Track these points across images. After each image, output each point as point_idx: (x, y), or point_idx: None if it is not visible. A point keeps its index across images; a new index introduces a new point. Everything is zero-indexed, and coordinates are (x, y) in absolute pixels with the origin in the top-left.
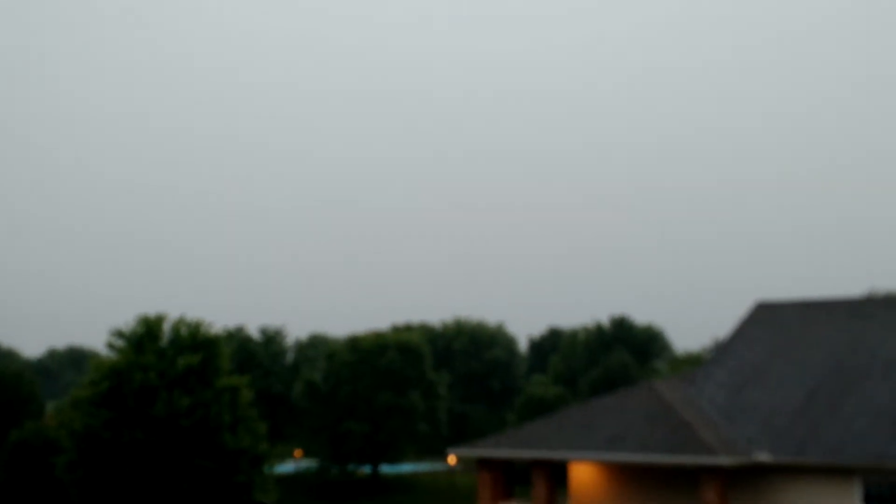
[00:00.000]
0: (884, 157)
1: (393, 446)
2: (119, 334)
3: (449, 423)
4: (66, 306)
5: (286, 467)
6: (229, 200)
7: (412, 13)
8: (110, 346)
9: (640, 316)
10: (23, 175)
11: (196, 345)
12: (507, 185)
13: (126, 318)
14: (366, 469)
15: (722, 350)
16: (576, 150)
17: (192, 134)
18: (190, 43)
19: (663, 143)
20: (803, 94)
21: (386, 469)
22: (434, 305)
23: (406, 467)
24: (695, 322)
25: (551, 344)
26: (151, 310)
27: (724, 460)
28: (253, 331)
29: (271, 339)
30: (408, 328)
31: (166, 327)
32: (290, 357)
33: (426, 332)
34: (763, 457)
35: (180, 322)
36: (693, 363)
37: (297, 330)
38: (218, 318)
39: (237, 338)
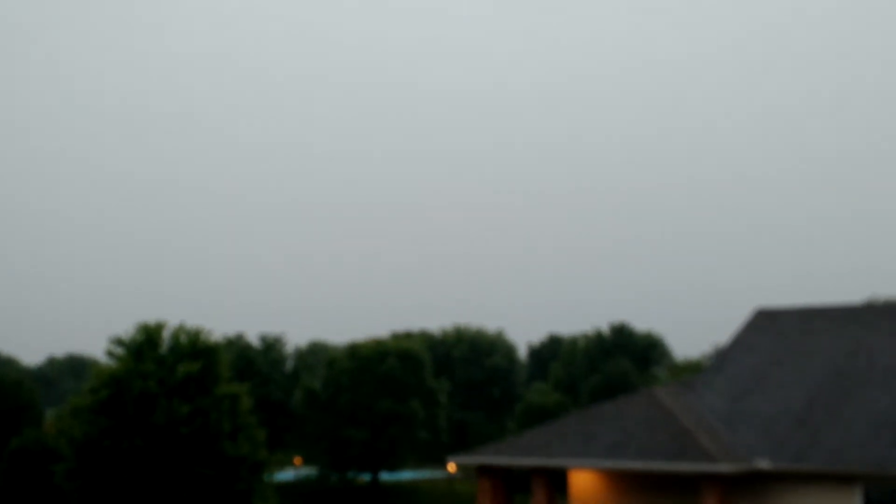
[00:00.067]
0: (885, 161)
1: (393, 454)
2: (118, 342)
3: (449, 431)
4: (66, 314)
5: (286, 475)
6: (229, 206)
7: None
8: (110, 353)
9: (640, 323)
10: (22, 182)
11: (196, 352)
12: (507, 189)
13: (125, 326)
14: (365, 476)
15: (722, 357)
16: (573, 155)
17: (192, 138)
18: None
19: (660, 148)
20: (803, 96)
21: (386, 476)
22: (434, 313)
23: (406, 475)
24: (694, 329)
25: (551, 351)
26: (151, 317)
27: (724, 467)
28: (252, 338)
29: (271, 347)
30: (407, 335)
31: (166, 335)
32: (289, 364)
33: (426, 339)
34: (763, 464)
35: (180, 330)
36: (693, 370)
37: (296, 337)
38: (217, 325)
39: (237, 345)
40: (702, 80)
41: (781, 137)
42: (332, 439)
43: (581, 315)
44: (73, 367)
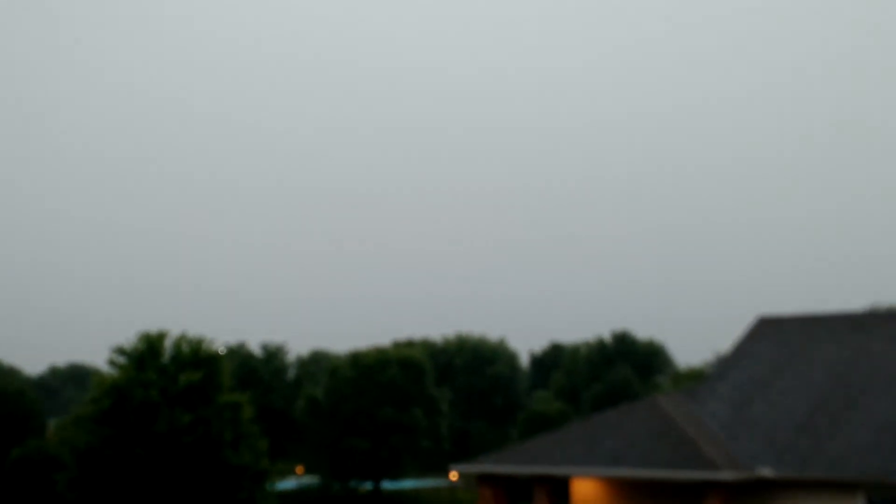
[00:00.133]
0: (887, 166)
1: (395, 462)
2: (120, 351)
3: (451, 439)
4: (68, 323)
5: (288, 484)
6: (230, 214)
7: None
8: (111, 362)
9: (642, 331)
10: (22, 189)
11: (197, 361)
12: (508, 195)
13: (127, 335)
14: (368, 485)
15: (724, 365)
16: (574, 161)
17: (192, 142)
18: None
19: (661, 155)
20: (807, 100)
21: (388, 485)
22: (435, 321)
23: (408, 483)
24: (697, 337)
25: (553, 359)
26: (153, 327)
27: (727, 475)
28: (254, 347)
29: (273, 356)
30: (409, 344)
31: (168, 344)
32: (291, 373)
33: (428, 347)
34: (766, 472)
35: (182, 339)
36: (695, 378)
37: (298, 346)
38: (219, 334)
39: (239, 354)
40: (702, 83)
41: (783, 142)
42: (333, 448)
43: (583, 323)
44: (74, 377)
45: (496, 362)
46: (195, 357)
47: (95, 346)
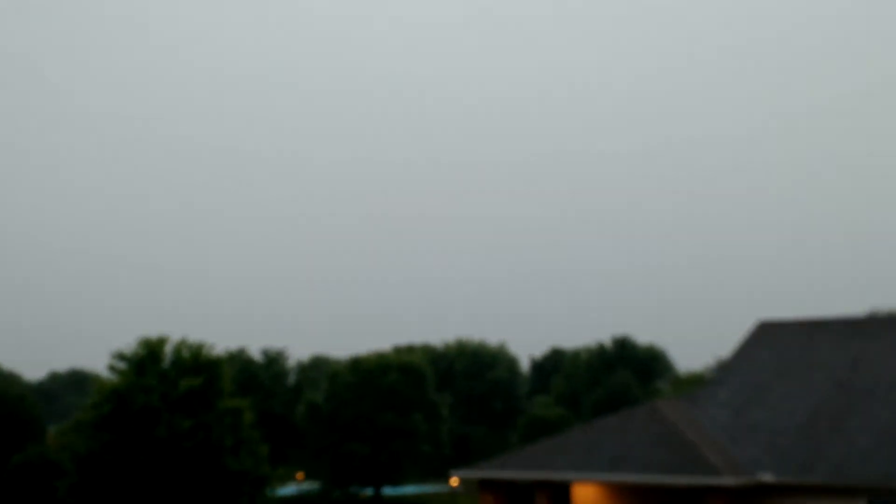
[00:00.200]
0: (887, 173)
1: (395, 468)
2: (121, 356)
3: (451, 445)
4: (68, 329)
5: (289, 489)
6: (229, 220)
7: None
8: (112, 368)
9: (642, 336)
10: (21, 196)
11: (198, 367)
12: (507, 202)
13: (128, 341)
14: (368, 491)
15: (724, 370)
16: (572, 167)
17: (192, 148)
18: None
19: (661, 160)
20: (805, 107)
21: (388, 491)
22: (436, 326)
23: (409, 489)
24: (697, 342)
25: (553, 364)
26: (153, 332)
27: (727, 481)
28: (255, 352)
29: (273, 361)
30: (410, 349)
31: (168, 349)
32: (292, 378)
33: (428, 352)
34: (767, 477)
35: (182, 344)
36: (696, 383)
37: (298, 351)
38: (219, 339)
39: (239, 360)
40: (702, 87)
41: (782, 149)
42: (334, 453)
43: (583, 328)
44: (75, 382)
45: (496, 367)
46: (196, 362)
47: (96, 352)
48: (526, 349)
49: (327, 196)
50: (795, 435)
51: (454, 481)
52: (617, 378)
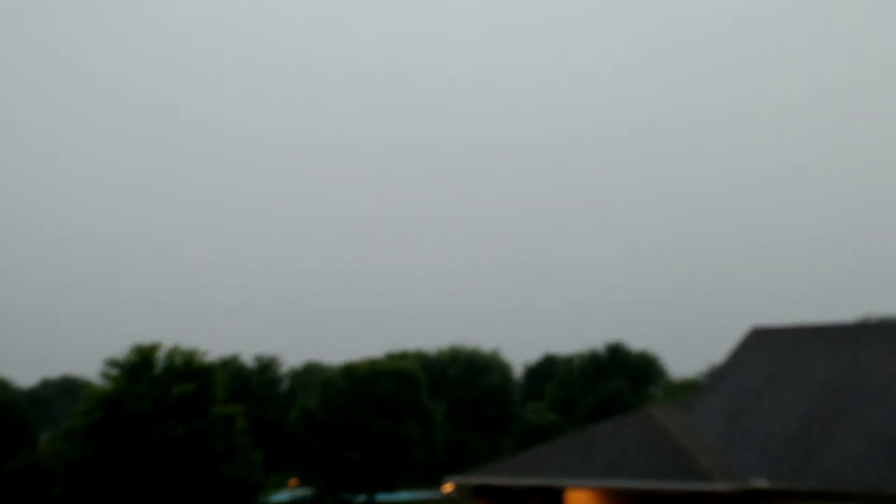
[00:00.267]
0: (881, 177)
1: (389, 474)
2: (113, 363)
3: (445, 451)
4: (60, 336)
5: (281, 496)
6: (222, 226)
7: None
8: (104, 375)
9: (635, 342)
10: (16, 199)
11: (190, 373)
12: (503, 207)
13: (120, 348)
14: (361, 498)
15: (717, 376)
16: (568, 170)
17: (182, 157)
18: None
19: (654, 165)
20: (801, 111)
21: (382, 497)
22: (429, 332)
23: (402, 496)
24: (690, 348)
25: (547, 370)
26: (146, 339)
27: (720, 486)
28: (247, 359)
29: (266, 368)
30: (403, 355)
31: (160, 356)
32: (285, 385)
33: (421, 359)
34: (760, 483)
35: (174, 351)
36: (689, 389)
37: (291, 358)
38: (212, 346)
39: (232, 366)
40: (701, 88)
41: (776, 154)
42: (327, 460)
43: (576, 335)
44: (67, 389)
45: (490, 373)
46: (188, 369)
47: (88, 359)
48: (519, 355)
49: (322, 202)
50: (788, 441)
51: (448, 488)
52: (610, 384)
